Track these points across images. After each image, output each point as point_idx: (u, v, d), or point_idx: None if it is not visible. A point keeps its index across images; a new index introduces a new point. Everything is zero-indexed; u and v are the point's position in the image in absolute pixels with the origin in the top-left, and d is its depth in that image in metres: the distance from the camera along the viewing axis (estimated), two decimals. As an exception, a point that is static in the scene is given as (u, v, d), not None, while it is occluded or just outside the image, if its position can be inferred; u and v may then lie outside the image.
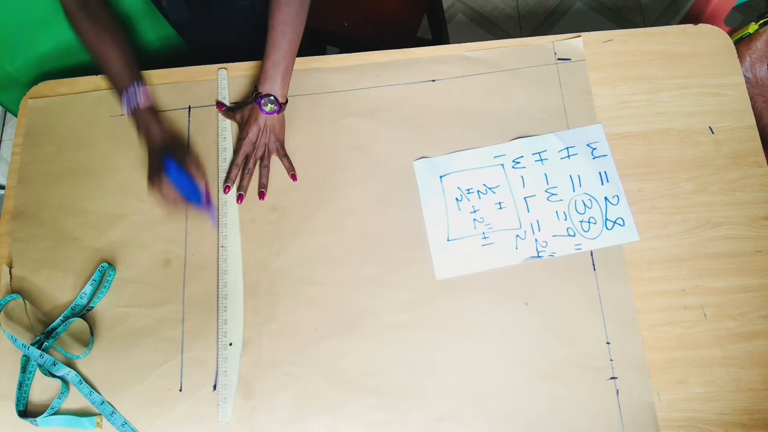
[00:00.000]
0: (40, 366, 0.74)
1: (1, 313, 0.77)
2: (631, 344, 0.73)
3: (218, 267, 0.79)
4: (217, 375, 0.74)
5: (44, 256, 0.80)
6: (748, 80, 0.87)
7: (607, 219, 0.78)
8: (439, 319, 0.75)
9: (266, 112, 0.79)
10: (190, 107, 0.87)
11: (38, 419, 0.71)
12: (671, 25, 0.88)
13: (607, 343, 0.73)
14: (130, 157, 0.84)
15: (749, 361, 0.72)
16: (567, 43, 0.86)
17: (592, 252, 0.77)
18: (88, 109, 0.87)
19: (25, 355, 0.75)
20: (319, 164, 0.82)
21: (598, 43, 0.87)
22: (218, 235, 0.80)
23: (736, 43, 0.89)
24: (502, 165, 0.81)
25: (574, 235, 0.77)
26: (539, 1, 1.69)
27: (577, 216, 0.78)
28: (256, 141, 0.80)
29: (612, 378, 0.72)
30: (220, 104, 0.84)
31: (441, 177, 0.81)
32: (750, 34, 0.90)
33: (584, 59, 0.85)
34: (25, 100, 0.89)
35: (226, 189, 0.80)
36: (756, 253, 0.76)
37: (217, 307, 0.77)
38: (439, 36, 1.30)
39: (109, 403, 0.73)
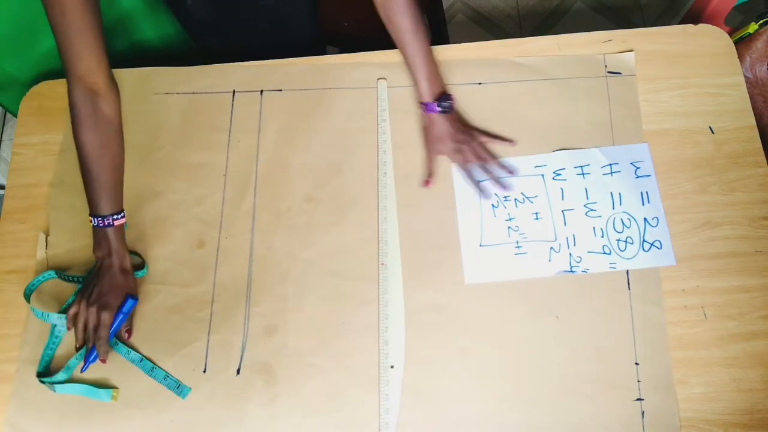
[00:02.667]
0: None
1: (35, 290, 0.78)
2: (660, 367, 0.72)
3: (251, 252, 0.79)
4: (241, 359, 0.75)
5: (81, 227, 0.81)
6: (748, 80, 0.87)
7: (644, 240, 0.76)
8: (466, 323, 0.75)
9: (446, 110, 0.78)
10: (234, 91, 0.87)
11: (56, 386, 0.73)
12: (671, 25, 0.88)
13: (636, 363, 0.72)
14: (173, 135, 0.85)
15: (749, 361, 0.72)
16: (618, 56, 0.85)
17: (627, 270, 0.76)
18: (133, 86, 0.88)
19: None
20: (360, 159, 0.82)
21: (598, 43, 0.86)
22: (253, 220, 0.80)
23: (736, 43, 0.89)
24: (543, 175, 0.80)
25: (609, 253, 0.76)
26: (539, 0, 1.69)
27: (615, 234, 0.77)
28: (465, 148, 0.79)
29: (638, 399, 0.71)
30: (425, 181, 0.81)
31: (479, 181, 0.80)
32: (750, 34, 0.90)
33: (635, 74, 0.84)
34: (25, 100, 0.89)
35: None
36: (756, 253, 0.76)
37: (248, 292, 0.77)
38: (439, 36, 1.30)
39: (148, 359, 0.74)
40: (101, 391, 0.73)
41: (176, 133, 0.85)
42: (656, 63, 0.85)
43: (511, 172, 0.79)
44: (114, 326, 0.73)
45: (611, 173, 0.79)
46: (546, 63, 0.85)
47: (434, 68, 0.79)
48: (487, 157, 0.79)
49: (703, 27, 0.86)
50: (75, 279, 0.78)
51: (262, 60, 0.89)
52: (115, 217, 0.74)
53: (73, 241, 0.81)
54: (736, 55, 0.85)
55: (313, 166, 0.83)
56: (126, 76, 0.87)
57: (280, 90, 0.87)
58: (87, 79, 0.73)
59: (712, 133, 0.81)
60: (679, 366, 0.72)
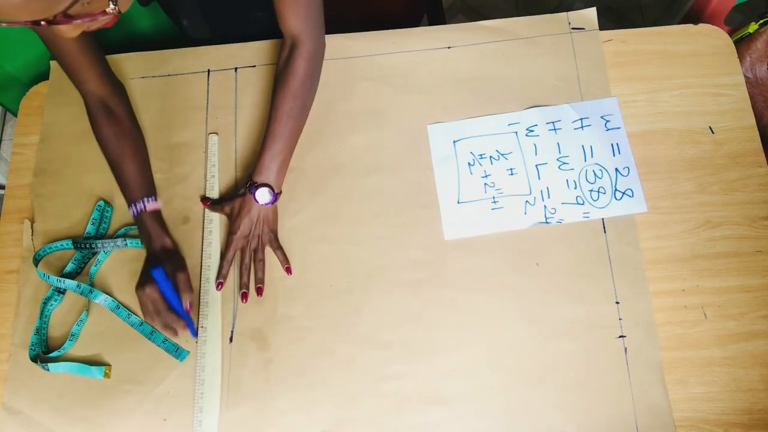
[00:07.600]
0: (81, 293, 0.76)
1: (34, 258, 0.79)
2: (639, 304, 0.74)
3: None
4: (233, 327, 0.76)
5: (64, 211, 0.82)
6: (748, 80, 0.87)
7: (616, 189, 0.79)
8: (450, 277, 0.77)
9: (261, 203, 0.75)
10: (209, 70, 0.88)
11: (50, 365, 0.73)
12: (671, 25, 0.88)
13: (617, 302, 0.74)
14: (152, 118, 0.86)
15: (749, 361, 0.72)
16: (581, 13, 0.87)
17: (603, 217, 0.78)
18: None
19: (43, 302, 0.77)
20: (337, 128, 0.83)
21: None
22: (236, 193, 0.80)
23: (736, 43, 0.89)
24: (516, 132, 0.82)
25: (583, 204, 0.78)
26: (539, 1, 1.69)
27: (587, 185, 0.79)
28: (249, 234, 0.77)
29: (621, 336, 0.73)
30: (205, 200, 0.80)
31: (454, 142, 0.82)
32: (750, 34, 0.90)
33: (597, 29, 0.86)
34: (25, 100, 0.89)
35: (219, 286, 0.76)
36: (756, 253, 0.76)
37: (235, 262, 0.79)
38: (439, 36, 1.30)
39: (147, 323, 0.76)
40: (93, 368, 0.74)
41: (155, 115, 0.86)
42: (656, 63, 0.85)
43: (260, 289, 0.76)
44: (167, 297, 0.72)
45: (582, 127, 0.82)
46: (512, 24, 0.88)
47: (285, 162, 0.77)
48: (261, 257, 0.77)
49: (703, 27, 0.86)
50: (87, 245, 0.78)
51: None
52: (145, 200, 0.77)
53: (58, 225, 0.82)
54: (736, 55, 0.85)
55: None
56: None
57: (254, 66, 0.88)
58: (94, 92, 0.79)
59: (712, 133, 0.81)
60: (679, 366, 0.72)
